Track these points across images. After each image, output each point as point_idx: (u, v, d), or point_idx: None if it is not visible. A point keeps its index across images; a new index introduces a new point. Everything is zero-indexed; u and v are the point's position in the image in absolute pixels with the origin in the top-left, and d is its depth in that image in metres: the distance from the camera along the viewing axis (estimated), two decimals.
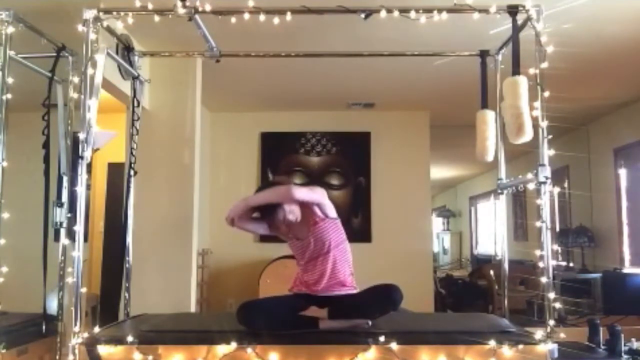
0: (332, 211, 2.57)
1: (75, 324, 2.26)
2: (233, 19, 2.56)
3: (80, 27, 2.45)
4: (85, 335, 2.30)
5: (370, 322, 2.46)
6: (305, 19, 2.62)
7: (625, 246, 5.51)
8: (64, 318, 2.87)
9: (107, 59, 2.63)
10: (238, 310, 2.43)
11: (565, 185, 6.67)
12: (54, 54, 2.94)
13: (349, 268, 2.59)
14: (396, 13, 2.48)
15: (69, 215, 2.87)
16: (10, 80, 2.54)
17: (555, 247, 5.85)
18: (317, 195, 2.51)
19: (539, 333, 2.33)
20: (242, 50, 3.42)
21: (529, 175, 2.40)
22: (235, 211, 2.52)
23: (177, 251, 3.94)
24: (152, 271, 3.81)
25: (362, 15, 2.51)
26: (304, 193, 2.47)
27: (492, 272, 5.94)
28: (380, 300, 2.46)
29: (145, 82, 3.43)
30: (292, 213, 2.49)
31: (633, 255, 5.41)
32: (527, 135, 2.37)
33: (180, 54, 3.66)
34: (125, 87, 3.49)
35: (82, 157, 2.35)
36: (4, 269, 2.58)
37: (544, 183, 2.32)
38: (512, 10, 2.46)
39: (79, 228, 2.32)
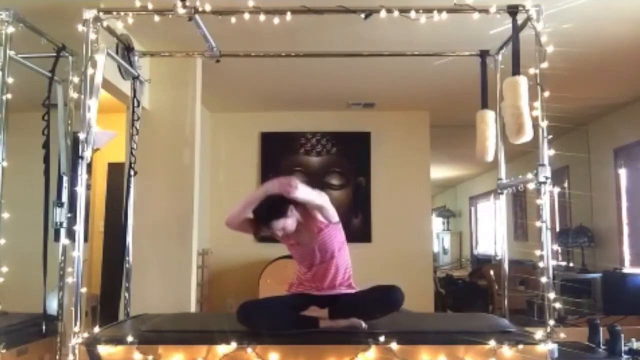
0: (335, 216, 2.52)
1: (75, 324, 2.26)
2: (233, 19, 2.56)
3: (80, 27, 2.45)
4: (85, 335, 2.30)
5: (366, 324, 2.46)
6: (305, 19, 2.62)
7: (625, 246, 5.51)
8: (64, 318, 2.86)
9: (107, 59, 2.63)
10: (238, 310, 2.43)
11: (565, 185, 6.67)
12: (54, 54, 2.94)
13: (349, 269, 2.60)
14: (396, 13, 2.48)
15: (69, 215, 2.87)
16: (10, 80, 2.54)
17: (555, 247, 5.86)
18: (320, 197, 2.44)
19: (539, 333, 2.33)
20: (242, 50, 3.42)
21: (529, 175, 2.40)
22: (233, 217, 2.46)
23: (177, 251, 3.93)
24: (152, 271, 3.81)
25: (362, 15, 2.51)
26: (306, 192, 2.37)
27: (492, 272, 5.94)
28: (381, 301, 2.46)
29: (145, 82, 3.43)
30: (289, 224, 2.41)
31: (633, 255, 5.41)
32: (527, 135, 2.37)
33: (180, 54, 3.66)
34: (125, 87, 3.49)
35: (82, 157, 2.36)
36: (4, 269, 2.59)
37: (544, 183, 2.32)
38: (512, 10, 2.46)
39: (79, 228, 2.32)
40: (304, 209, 2.48)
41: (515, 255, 6.38)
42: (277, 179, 2.39)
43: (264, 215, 2.40)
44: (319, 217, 2.49)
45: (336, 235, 2.53)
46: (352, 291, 2.58)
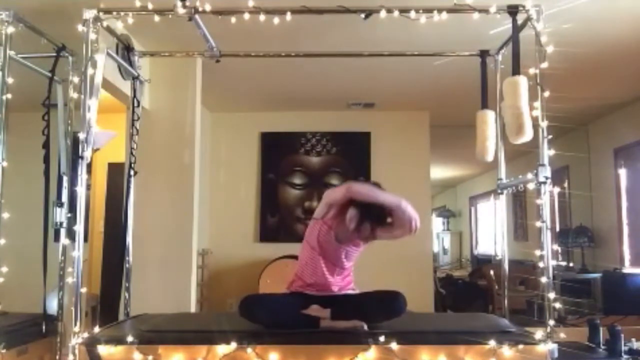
0: None
1: (75, 324, 2.26)
2: (233, 19, 2.56)
3: (80, 27, 2.45)
4: (85, 335, 2.30)
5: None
6: (305, 19, 2.62)
7: (625, 246, 5.51)
8: (64, 318, 2.86)
9: (107, 59, 2.63)
10: (241, 303, 2.44)
11: (565, 185, 6.67)
12: (54, 54, 2.94)
13: (351, 270, 2.63)
14: (396, 13, 2.48)
15: (69, 215, 2.86)
16: (10, 80, 2.54)
17: (555, 247, 5.86)
18: None
19: (539, 333, 2.32)
20: (242, 50, 3.42)
21: (529, 175, 2.40)
22: (361, 194, 2.50)
23: (177, 251, 3.94)
24: (152, 271, 3.81)
25: (362, 15, 2.51)
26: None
27: (492, 272, 5.95)
28: (385, 307, 2.46)
29: (145, 82, 3.43)
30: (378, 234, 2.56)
31: (633, 255, 5.41)
32: (527, 135, 2.37)
33: (180, 54, 3.66)
34: (125, 87, 3.49)
35: (82, 157, 2.35)
36: (4, 269, 2.59)
37: (544, 183, 2.32)
38: (512, 10, 2.46)
39: (79, 228, 2.32)
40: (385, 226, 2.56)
41: (515, 255, 6.38)
42: (414, 217, 2.51)
43: (379, 220, 2.52)
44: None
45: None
46: (353, 292, 2.58)
